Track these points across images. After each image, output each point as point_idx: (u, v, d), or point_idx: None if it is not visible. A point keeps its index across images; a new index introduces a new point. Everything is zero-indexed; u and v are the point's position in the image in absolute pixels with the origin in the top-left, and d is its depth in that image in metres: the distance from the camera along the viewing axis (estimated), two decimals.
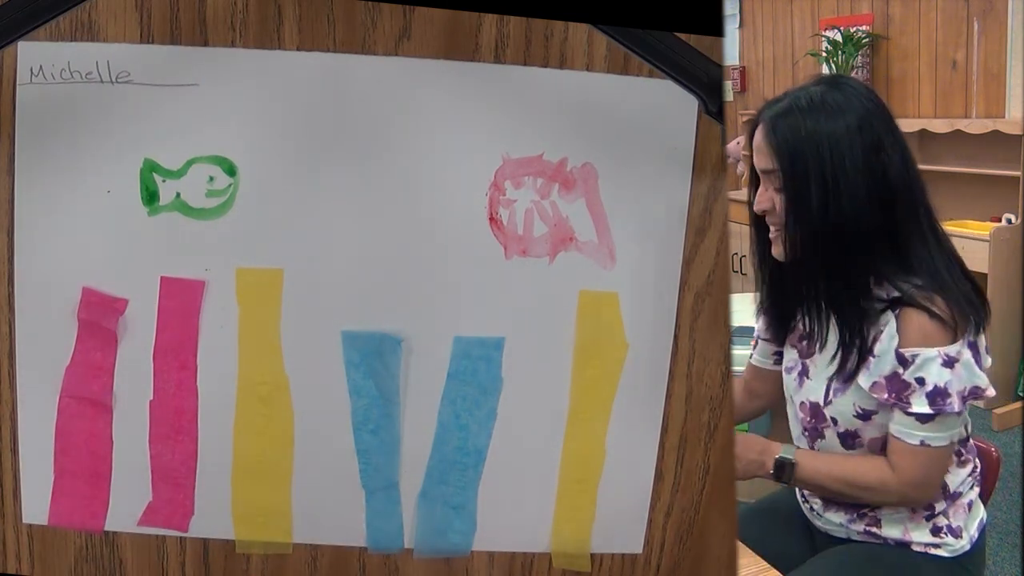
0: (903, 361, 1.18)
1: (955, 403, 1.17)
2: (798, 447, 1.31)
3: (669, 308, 0.79)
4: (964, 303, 1.19)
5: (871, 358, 1.22)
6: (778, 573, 1.17)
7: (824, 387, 1.28)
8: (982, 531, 1.33)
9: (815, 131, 1.19)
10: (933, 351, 1.17)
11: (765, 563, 1.19)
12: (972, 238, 3.14)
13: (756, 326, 1.48)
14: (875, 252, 1.21)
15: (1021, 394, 3.10)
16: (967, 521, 1.30)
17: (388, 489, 0.80)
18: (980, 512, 1.34)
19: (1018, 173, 3.16)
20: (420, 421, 0.79)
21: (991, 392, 1.21)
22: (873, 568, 1.28)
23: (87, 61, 0.72)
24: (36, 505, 0.78)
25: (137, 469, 0.78)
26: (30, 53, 0.72)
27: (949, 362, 1.17)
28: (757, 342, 1.49)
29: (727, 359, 0.81)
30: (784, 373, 1.38)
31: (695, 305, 0.80)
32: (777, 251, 1.27)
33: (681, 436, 0.82)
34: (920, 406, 1.17)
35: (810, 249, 1.22)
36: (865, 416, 1.23)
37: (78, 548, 0.79)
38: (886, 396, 1.19)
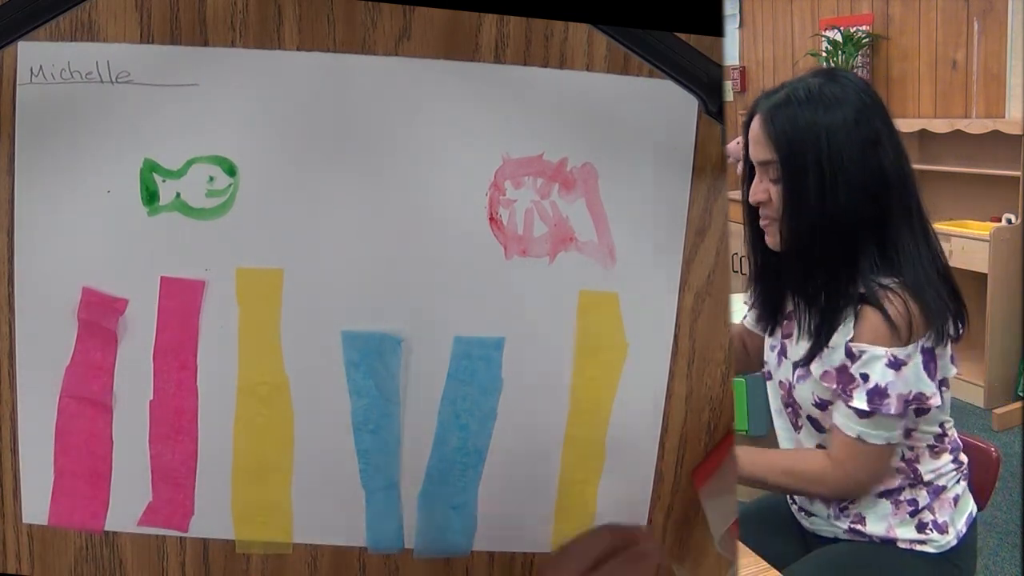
0: (850, 355, 1.20)
1: (892, 405, 1.18)
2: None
3: (669, 308, 0.79)
4: (933, 308, 1.20)
5: (826, 348, 1.24)
6: (778, 573, 1.17)
7: (791, 370, 1.30)
8: (971, 525, 1.33)
9: (813, 122, 1.20)
10: (881, 350, 1.18)
11: (765, 563, 1.19)
12: (972, 238, 3.15)
13: (747, 297, 1.51)
14: (861, 243, 1.22)
15: (1021, 394, 3.10)
16: (953, 516, 1.30)
17: (388, 489, 0.80)
18: (968, 506, 1.34)
19: (1018, 173, 3.16)
20: (420, 421, 0.79)
21: (936, 401, 1.22)
22: (859, 567, 1.29)
23: (87, 61, 0.72)
24: (36, 505, 0.78)
25: (137, 469, 0.78)
26: (30, 53, 0.72)
27: (895, 364, 1.18)
28: (751, 307, 1.52)
29: (727, 359, 0.81)
30: (767, 351, 1.41)
31: (695, 305, 0.80)
32: (771, 241, 1.28)
33: (681, 436, 0.82)
34: (859, 401, 1.20)
35: (805, 240, 1.23)
36: (822, 406, 1.26)
37: (78, 548, 0.79)
38: (834, 386, 1.22)
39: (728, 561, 0.84)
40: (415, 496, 0.80)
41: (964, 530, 1.31)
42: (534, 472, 0.81)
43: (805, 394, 1.29)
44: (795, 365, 1.30)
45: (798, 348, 1.31)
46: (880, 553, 1.29)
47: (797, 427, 1.37)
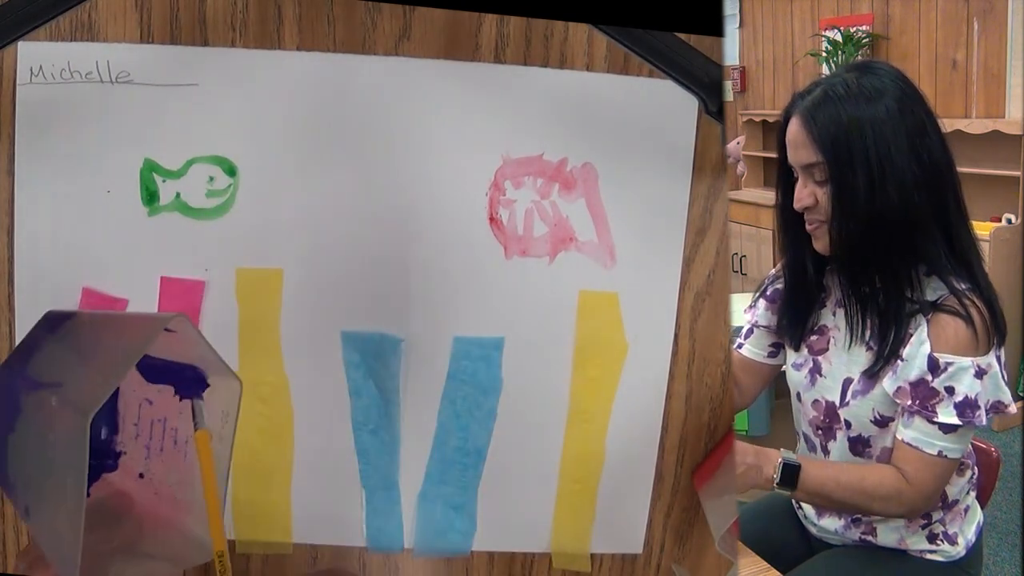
0: (935, 367, 1.13)
1: (982, 416, 1.13)
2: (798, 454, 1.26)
3: (669, 308, 0.79)
4: (1000, 312, 1.16)
5: (899, 362, 1.17)
6: (778, 573, 1.16)
7: (840, 386, 1.24)
8: (979, 534, 1.32)
9: (857, 117, 1.14)
10: (967, 360, 1.12)
11: (765, 563, 1.19)
12: None
13: (753, 315, 1.42)
14: (926, 241, 1.16)
15: (1021, 394, 3.10)
16: (963, 527, 1.29)
17: (388, 489, 0.80)
18: (977, 516, 1.33)
19: (1018, 173, 3.16)
20: (420, 421, 0.79)
21: (1013, 409, 1.17)
22: (870, 571, 1.28)
23: (87, 61, 0.72)
24: None
25: None
26: (30, 53, 0.72)
27: (980, 373, 1.13)
28: (751, 331, 1.43)
29: (727, 359, 0.81)
30: (791, 370, 1.34)
31: (695, 305, 0.80)
32: (821, 245, 1.21)
33: (681, 436, 0.82)
34: (947, 416, 1.12)
35: (857, 240, 1.17)
36: (882, 423, 1.20)
37: None
38: (909, 402, 1.15)
39: (728, 561, 0.84)
40: (415, 496, 0.80)
41: (973, 540, 1.30)
42: (534, 472, 0.81)
43: (862, 411, 1.21)
44: (848, 381, 1.23)
45: (849, 363, 1.24)
46: (890, 560, 1.27)
47: (826, 450, 1.30)
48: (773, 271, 1.41)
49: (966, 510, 1.30)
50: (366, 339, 0.77)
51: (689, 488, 0.83)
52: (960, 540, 1.28)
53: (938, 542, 1.27)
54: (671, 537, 0.84)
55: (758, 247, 4.01)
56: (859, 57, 3.96)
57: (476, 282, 0.77)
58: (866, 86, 1.16)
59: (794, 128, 1.20)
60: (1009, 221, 3.20)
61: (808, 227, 1.23)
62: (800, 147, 1.19)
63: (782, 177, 1.26)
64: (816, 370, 1.29)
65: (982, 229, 3.18)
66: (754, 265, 3.99)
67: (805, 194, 1.20)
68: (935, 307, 1.15)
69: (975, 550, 1.30)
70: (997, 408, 1.15)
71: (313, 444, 0.79)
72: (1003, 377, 1.16)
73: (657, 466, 0.82)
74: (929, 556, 1.27)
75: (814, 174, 1.19)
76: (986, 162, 3.29)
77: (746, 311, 1.44)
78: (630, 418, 0.81)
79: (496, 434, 0.80)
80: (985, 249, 3.07)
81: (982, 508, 1.37)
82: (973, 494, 1.33)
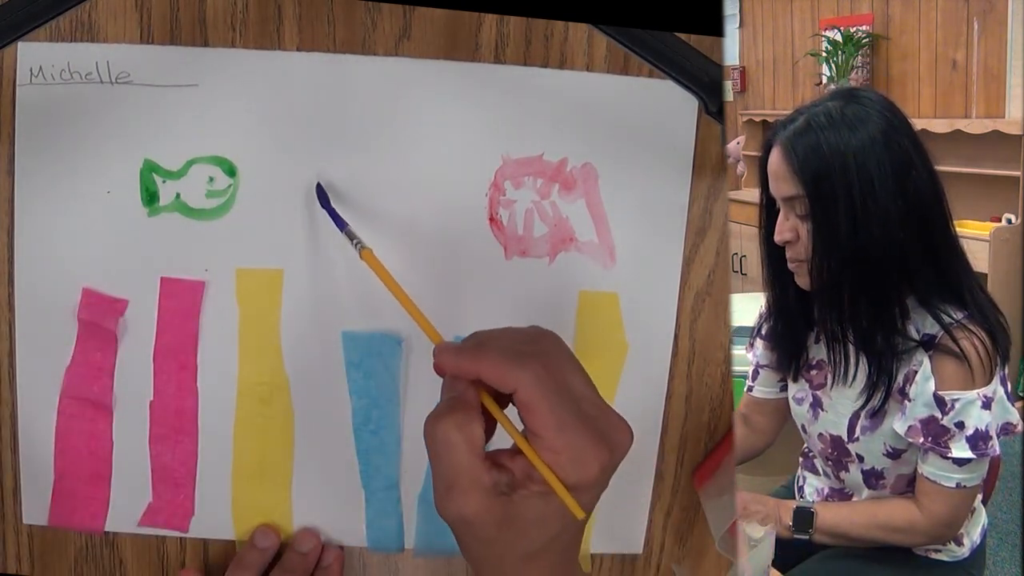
0: (941, 405, 1.12)
1: (996, 445, 1.12)
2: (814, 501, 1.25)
3: (669, 308, 0.79)
4: (999, 333, 1.14)
5: (906, 401, 1.16)
6: (779, 574, 1.17)
7: (847, 423, 1.23)
8: (984, 535, 1.33)
9: (838, 147, 1.11)
10: (973, 394, 1.11)
11: None
12: (972, 238, 3.14)
13: (754, 355, 1.41)
14: (913, 276, 1.14)
15: (1021, 394, 3.10)
16: (969, 528, 1.29)
17: (388, 489, 0.80)
18: (982, 518, 1.34)
19: (1018, 173, 3.16)
20: (420, 421, 0.79)
21: (1021, 428, 1.17)
22: (874, 568, 1.28)
23: (87, 61, 0.72)
24: (36, 506, 0.78)
25: (137, 469, 0.78)
26: (30, 53, 0.72)
27: (987, 403, 1.12)
28: (757, 372, 1.42)
29: (727, 359, 0.81)
30: (793, 403, 1.33)
31: (695, 305, 0.80)
32: (803, 282, 1.18)
33: (681, 436, 0.82)
34: (960, 451, 1.12)
35: (840, 277, 1.15)
36: (895, 455, 1.20)
37: (78, 548, 0.79)
38: (922, 440, 1.13)
39: (728, 561, 0.84)
40: (415, 496, 0.80)
41: (978, 541, 1.30)
42: None
43: (873, 446, 1.19)
44: (855, 417, 1.22)
45: (849, 398, 1.23)
46: (894, 558, 1.28)
47: (839, 479, 1.29)
48: (763, 308, 1.39)
49: (972, 512, 1.30)
50: (366, 339, 0.77)
51: (689, 488, 0.83)
52: (966, 541, 1.28)
53: (944, 542, 1.27)
54: (671, 537, 0.84)
55: (758, 247, 4.00)
56: (859, 57, 3.96)
57: (476, 282, 0.77)
58: (849, 115, 1.12)
59: (775, 159, 1.18)
60: (1009, 221, 3.20)
61: (789, 265, 1.20)
62: (780, 179, 1.17)
63: (768, 207, 1.24)
64: (817, 404, 1.28)
65: (982, 229, 3.18)
66: (754, 265, 3.98)
67: (786, 228, 1.17)
68: (935, 342, 1.13)
69: (979, 551, 1.31)
70: (1006, 430, 1.15)
71: (313, 444, 0.79)
72: (1007, 397, 1.15)
73: (657, 466, 0.83)
74: (934, 555, 1.28)
75: (795, 207, 1.16)
76: (986, 162, 3.29)
77: (747, 351, 1.44)
78: (630, 418, 0.81)
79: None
80: (985, 249, 3.08)
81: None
82: (979, 496, 1.33)
